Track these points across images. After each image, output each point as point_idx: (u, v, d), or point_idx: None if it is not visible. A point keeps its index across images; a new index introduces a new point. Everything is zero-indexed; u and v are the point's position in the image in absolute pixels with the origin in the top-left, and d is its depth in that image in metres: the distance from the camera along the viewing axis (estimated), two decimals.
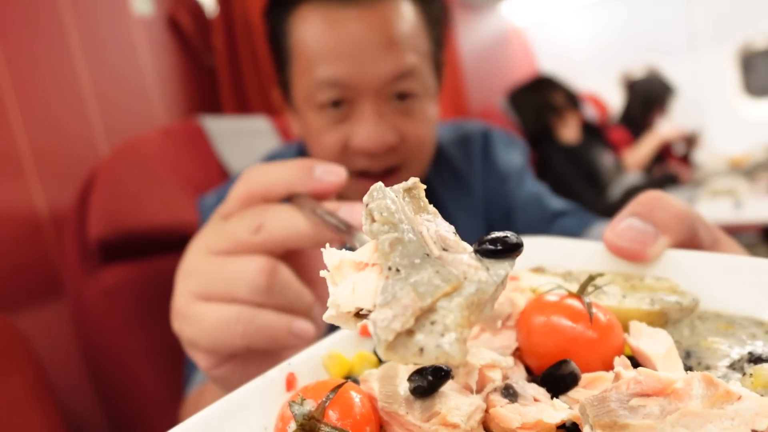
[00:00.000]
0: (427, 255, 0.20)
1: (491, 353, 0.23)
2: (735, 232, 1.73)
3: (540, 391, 0.21)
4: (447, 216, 0.82)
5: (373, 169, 0.67)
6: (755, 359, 0.21)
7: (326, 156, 0.69)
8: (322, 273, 0.23)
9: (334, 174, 0.39)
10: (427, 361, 0.18)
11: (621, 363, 0.20)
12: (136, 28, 1.36)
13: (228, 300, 0.38)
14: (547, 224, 0.78)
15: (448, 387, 0.22)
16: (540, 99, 2.43)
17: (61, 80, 1.16)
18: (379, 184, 0.23)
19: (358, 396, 0.23)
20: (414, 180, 0.25)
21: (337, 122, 0.66)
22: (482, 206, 0.84)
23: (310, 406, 0.22)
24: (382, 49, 0.63)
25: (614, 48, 3.76)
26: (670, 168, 2.61)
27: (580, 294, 0.23)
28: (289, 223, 0.38)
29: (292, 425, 0.22)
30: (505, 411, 0.20)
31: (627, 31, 3.68)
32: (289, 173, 0.39)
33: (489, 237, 0.22)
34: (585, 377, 0.21)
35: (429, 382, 0.21)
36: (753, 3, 3.16)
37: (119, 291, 0.86)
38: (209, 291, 0.39)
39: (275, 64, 0.75)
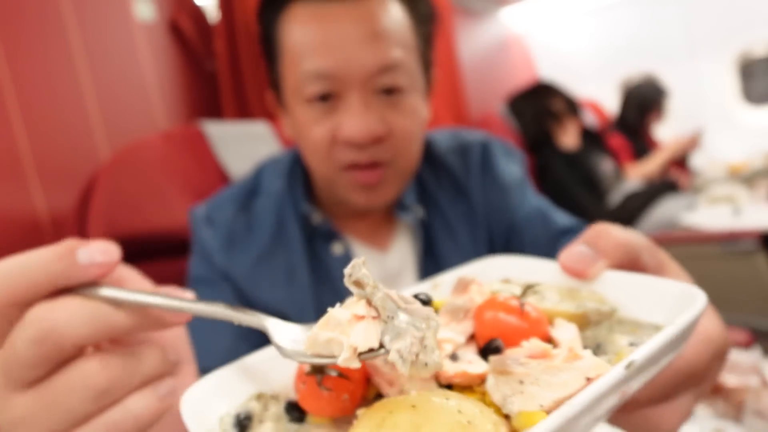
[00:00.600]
0: (398, 308, 0.28)
1: (448, 332, 0.33)
2: (734, 239, 1.73)
3: (476, 358, 0.31)
4: (448, 224, 0.81)
5: (361, 161, 0.68)
6: (630, 344, 0.30)
7: (315, 150, 0.69)
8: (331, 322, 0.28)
9: (105, 254, 0.32)
10: (428, 372, 0.26)
11: (531, 341, 0.29)
12: (138, 33, 1.36)
13: (72, 427, 0.30)
14: (553, 241, 0.79)
15: None
16: (539, 105, 2.44)
17: (63, 85, 1.17)
18: (358, 260, 0.28)
19: None
20: (357, 261, 0.28)
21: (324, 115, 0.67)
22: (483, 217, 0.83)
23: None
24: (367, 42, 0.64)
25: (614, 55, 3.77)
26: (669, 174, 2.61)
27: (520, 297, 0.33)
28: (85, 319, 0.30)
29: (308, 368, 0.30)
30: (446, 366, 0.30)
31: (627, 39, 3.70)
32: (49, 268, 0.30)
33: (416, 296, 0.31)
34: (508, 351, 0.30)
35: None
36: (752, 11, 3.18)
37: None
38: None
39: (267, 66, 0.76)
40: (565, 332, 0.30)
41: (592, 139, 2.59)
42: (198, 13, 1.55)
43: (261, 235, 0.76)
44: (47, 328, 0.29)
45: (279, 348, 0.30)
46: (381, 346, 0.26)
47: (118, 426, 0.31)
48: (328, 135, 0.67)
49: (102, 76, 1.25)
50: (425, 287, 0.41)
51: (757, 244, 1.68)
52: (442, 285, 0.41)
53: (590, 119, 3.02)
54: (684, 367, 0.32)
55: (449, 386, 0.30)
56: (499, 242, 0.85)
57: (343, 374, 0.29)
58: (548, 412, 0.24)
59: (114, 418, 0.31)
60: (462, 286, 0.36)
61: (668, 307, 0.29)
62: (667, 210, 2.21)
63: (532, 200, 0.87)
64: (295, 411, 0.30)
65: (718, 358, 0.35)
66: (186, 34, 1.47)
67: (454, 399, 0.26)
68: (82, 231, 0.90)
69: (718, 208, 2.17)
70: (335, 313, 0.28)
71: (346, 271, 0.28)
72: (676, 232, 2.04)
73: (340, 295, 0.74)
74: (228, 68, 1.50)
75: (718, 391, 0.76)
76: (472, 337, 0.33)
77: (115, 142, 1.25)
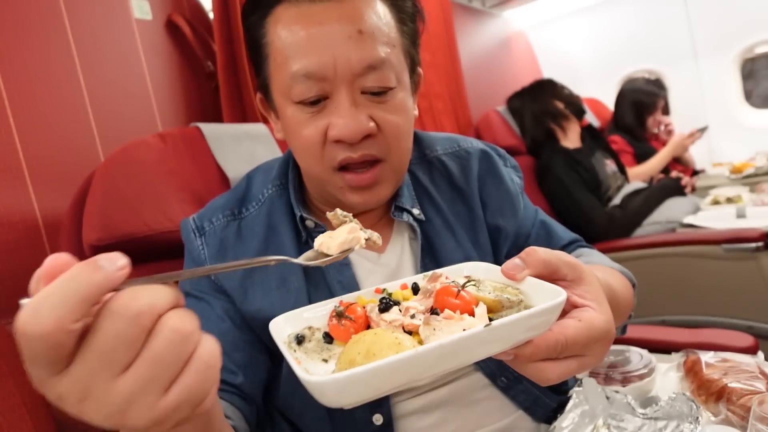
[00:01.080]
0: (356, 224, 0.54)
1: (414, 303, 0.51)
2: (737, 240, 1.72)
3: (425, 318, 0.47)
4: (447, 222, 0.84)
5: (354, 160, 0.69)
6: None
7: (307, 150, 0.70)
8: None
9: (121, 257, 0.36)
10: (380, 241, 0.55)
11: (446, 311, 0.46)
12: (136, 34, 1.36)
13: (178, 374, 0.35)
14: None
15: (394, 312, 0.49)
16: (541, 104, 2.42)
17: (60, 84, 1.16)
18: (337, 210, 0.55)
19: (361, 308, 0.51)
20: (337, 210, 0.55)
21: (314, 115, 0.68)
22: (483, 222, 0.84)
23: (343, 308, 0.51)
24: (353, 41, 0.65)
25: (616, 54, 3.76)
26: (671, 175, 2.59)
27: (461, 286, 0.50)
28: (165, 292, 0.36)
29: (334, 314, 0.51)
30: (405, 321, 0.48)
31: (629, 38, 3.68)
32: (94, 281, 0.33)
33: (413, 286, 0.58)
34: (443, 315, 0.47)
35: (384, 306, 0.50)
36: (756, 11, 3.16)
37: None
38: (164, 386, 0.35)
39: (255, 69, 0.76)
40: (480, 309, 0.47)
41: (594, 138, 2.58)
42: (197, 13, 1.54)
43: (252, 242, 0.76)
44: (142, 306, 0.34)
45: (303, 263, 0.51)
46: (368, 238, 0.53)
47: (207, 362, 0.36)
48: (318, 135, 0.68)
49: (99, 75, 1.25)
50: (419, 278, 0.58)
51: (761, 244, 1.67)
52: (429, 275, 0.57)
53: (592, 118, 3.00)
54: (562, 340, 0.46)
55: (410, 333, 0.47)
56: (506, 244, 0.86)
57: (352, 318, 0.50)
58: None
59: (203, 357, 0.36)
60: (434, 277, 0.54)
61: (547, 297, 0.47)
62: (670, 210, 2.19)
63: (534, 212, 0.91)
64: (328, 337, 0.50)
65: (599, 341, 0.49)
66: (184, 34, 1.46)
67: (398, 333, 0.45)
68: (77, 232, 0.90)
69: (722, 209, 2.16)
70: (354, 224, 0.53)
71: (337, 212, 0.55)
72: (679, 232, 2.03)
73: (334, 296, 0.73)
74: (226, 69, 1.49)
75: (721, 396, 0.75)
76: (432, 307, 0.50)
77: (112, 142, 1.25)
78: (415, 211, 0.80)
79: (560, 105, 2.42)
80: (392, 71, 0.68)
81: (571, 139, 2.42)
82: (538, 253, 0.52)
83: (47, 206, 1.08)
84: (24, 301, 0.33)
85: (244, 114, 1.54)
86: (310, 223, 0.77)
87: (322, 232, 0.75)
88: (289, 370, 0.55)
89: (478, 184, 0.86)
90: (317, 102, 0.67)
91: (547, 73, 3.66)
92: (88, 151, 1.19)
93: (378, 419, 0.72)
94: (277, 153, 1.15)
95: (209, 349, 0.37)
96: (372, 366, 0.37)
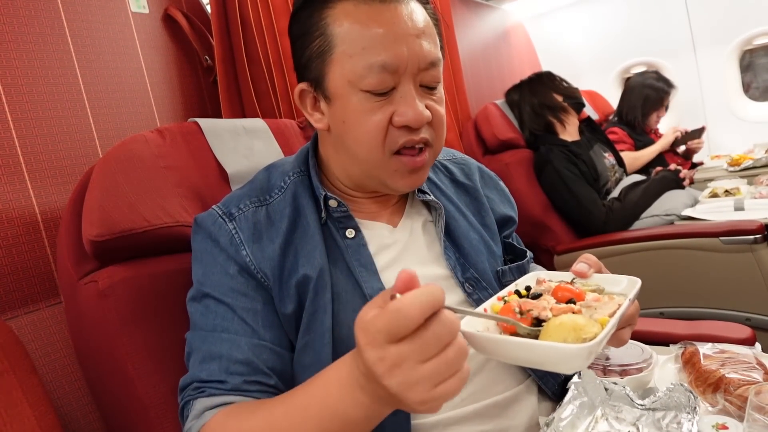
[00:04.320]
0: None
1: (551, 300, 0.63)
2: (735, 232, 1.72)
3: (553, 305, 0.62)
4: (457, 207, 0.96)
5: (415, 141, 0.78)
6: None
7: (371, 136, 0.77)
8: None
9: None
10: None
11: (590, 295, 0.66)
12: (133, 28, 1.35)
13: (430, 359, 0.48)
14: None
15: (542, 300, 0.62)
16: (540, 97, 2.42)
17: (57, 79, 1.16)
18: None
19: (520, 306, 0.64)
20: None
21: (381, 104, 0.76)
22: (489, 209, 0.97)
23: (519, 309, 0.61)
24: (420, 39, 0.75)
25: (614, 46, 3.75)
26: (670, 167, 2.59)
27: (570, 282, 0.71)
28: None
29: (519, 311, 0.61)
30: (556, 305, 0.63)
31: (627, 29, 3.67)
32: (441, 297, 0.48)
33: (526, 288, 0.73)
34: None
35: (534, 296, 0.66)
36: (754, 3, 3.15)
37: (114, 293, 0.85)
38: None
39: (301, 60, 0.81)
40: (591, 295, 0.64)
41: (592, 131, 2.57)
42: (194, 6, 1.53)
43: (282, 224, 0.82)
44: (455, 326, 0.48)
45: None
46: None
47: (450, 363, 0.47)
48: (385, 121, 0.76)
49: (96, 69, 1.24)
50: (512, 286, 0.72)
51: (759, 237, 1.67)
52: (520, 283, 0.72)
53: (591, 111, 2.99)
54: (630, 316, 0.71)
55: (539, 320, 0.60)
56: (508, 230, 1.01)
57: (530, 310, 0.60)
58: (610, 316, 0.58)
59: (465, 371, 0.49)
60: (539, 282, 0.71)
61: (623, 286, 0.69)
62: (668, 203, 2.19)
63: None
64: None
65: (637, 314, 0.74)
66: (182, 27, 1.46)
67: (571, 315, 0.58)
68: (76, 227, 0.90)
69: (720, 202, 2.16)
70: None
71: None
72: (677, 225, 2.03)
73: (351, 274, 0.81)
74: (224, 63, 1.49)
75: (718, 387, 0.76)
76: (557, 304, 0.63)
77: (110, 137, 1.24)
78: (432, 197, 0.90)
79: (559, 98, 2.41)
80: (441, 67, 0.79)
81: (569, 132, 2.41)
82: (591, 257, 0.74)
83: (46, 202, 1.08)
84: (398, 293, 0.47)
85: (242, 108, 1.54)
86: (333, 203, 0.83)
87: (344, 211, 0.83)
88: (301, 349, 0.77)
89: (480, 183, 0.99)
90: (386, 92, 0.75)
91: (545, 66, 3.65)
92: (86, 147, 1.19)
93: None
94: (276, 148, 1.15)
95: (467, 370, 0.49)
96: (603, 333, 0.52)
